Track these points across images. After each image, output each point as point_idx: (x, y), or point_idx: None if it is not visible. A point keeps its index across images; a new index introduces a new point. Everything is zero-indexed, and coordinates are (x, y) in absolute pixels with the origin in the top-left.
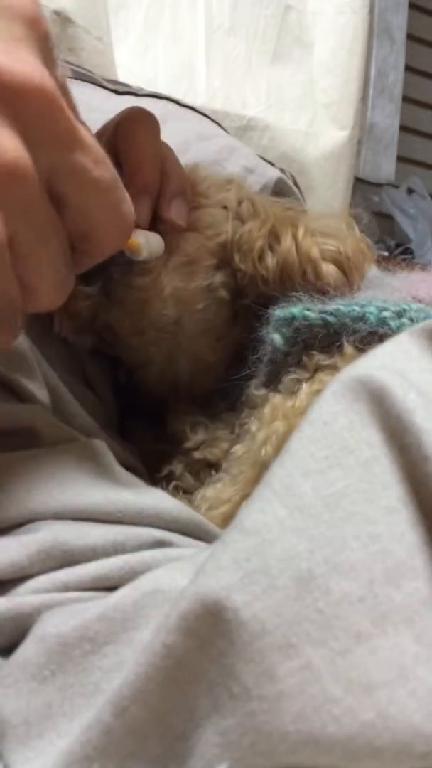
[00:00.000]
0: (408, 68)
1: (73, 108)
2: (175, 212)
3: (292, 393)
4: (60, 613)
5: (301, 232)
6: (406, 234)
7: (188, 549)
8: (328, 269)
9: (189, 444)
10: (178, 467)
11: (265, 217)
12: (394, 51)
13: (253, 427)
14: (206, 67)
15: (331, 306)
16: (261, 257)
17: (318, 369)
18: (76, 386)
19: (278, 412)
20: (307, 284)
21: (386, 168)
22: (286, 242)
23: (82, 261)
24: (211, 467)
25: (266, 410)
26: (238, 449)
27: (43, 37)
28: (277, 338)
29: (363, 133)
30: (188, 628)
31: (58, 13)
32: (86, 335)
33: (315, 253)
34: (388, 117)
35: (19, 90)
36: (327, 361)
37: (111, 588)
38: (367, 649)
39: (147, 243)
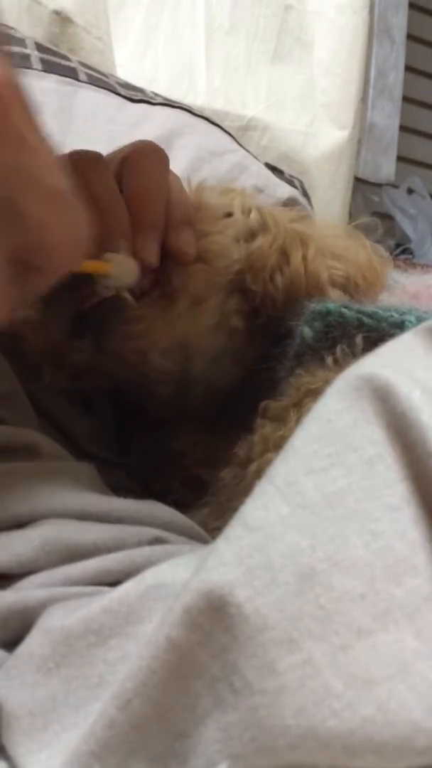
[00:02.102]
0: (408, 68)
1: (26, 108)
2: (183, 241)
3: (281, 421)
4: (65, 606)
5: (311, 252)
6: (406, 234)
7: (187, 545)
8: (334, 296)
9: (187, 461)
10: (174, 482)
11: (276, 232)
12: (394, 51)
13: (240, 452)
14: (206, 67)
15: (370, 308)
16: (272, 276)
17: (305, 394)
18: (71, 411)
19: (269, 443)
20: None
21: (386, 168)
22: (296, 262)
23: (36, 280)
24: (207, 485)
25: (256, 439)
26: (226, 475)
27: None
28: (307, 331)
29: (363, 133)
30: (192, 622)
31: (58, 13)
32: (83, 383)
33: (323, 277)
34: (388, 117)
35: None
36: (314, 386)
37: (113, 582)
38: (368, 645)
39: (118, 266)
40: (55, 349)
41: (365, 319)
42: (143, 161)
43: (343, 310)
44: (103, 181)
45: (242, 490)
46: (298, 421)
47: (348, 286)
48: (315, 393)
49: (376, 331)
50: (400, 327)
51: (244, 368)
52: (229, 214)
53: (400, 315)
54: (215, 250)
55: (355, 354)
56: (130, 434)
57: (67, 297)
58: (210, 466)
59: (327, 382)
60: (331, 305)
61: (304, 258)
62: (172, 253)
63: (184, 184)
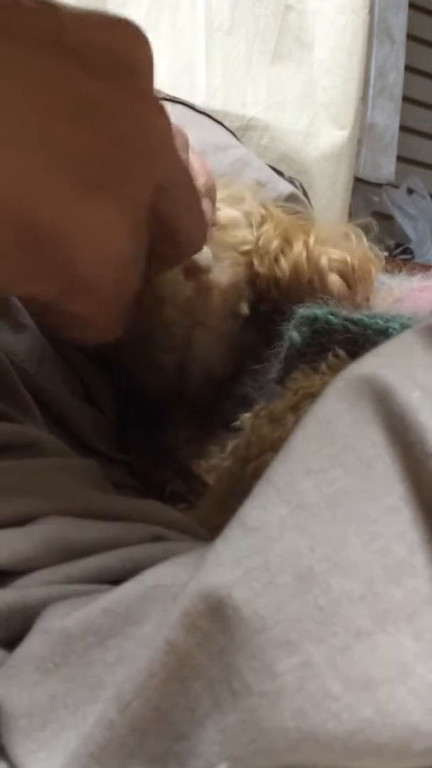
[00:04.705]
0: (408, 68)
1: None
2: (204, 206)
3: (279, 422)
4: (64, 605)
5: (312, 240)
6: (406, 234)
7: (187, 543)
8: (333, 279)
9: (180, 453)
10: (169, 474)
11: (279, 221)
12: (394, 51)
13: (237, 450)
14: (206, 67)
15: (356, 315)
16: (276, 259)
17: (303, 397)
18: (77, 406)
19: (266, 443)
20: (313, 292)
21: (386, 168)
22: (298, 247)
23: (159, 265)
24: (199, 476)
25: (253, 439)
26: (223, 473)
27: None
28: (295, 336)
29: (363, 133)
30: (190, 624)
31: None
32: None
33: (323, 262)
34: (388, 117)
35: None
36: (311, 390)
37: (114, 580)
38: (367, 646)
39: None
40: None
41: (350, 326)
42: None
43: (330, 317)
44: None
45: (240, 489)
46: (295, 423)
47: (347, 272)
48: (313, 397)
49: (362, 338)
50: (384, 334)
51: (236, 357)
52: (239, 202)
53: (385, 322)
54: (227, 219)
55: (343, 361)
56: (130, 431)
57: None
58: (201, 458)
59: (324, 387)
60: (318, 311)
61: (306, 244)
62: None
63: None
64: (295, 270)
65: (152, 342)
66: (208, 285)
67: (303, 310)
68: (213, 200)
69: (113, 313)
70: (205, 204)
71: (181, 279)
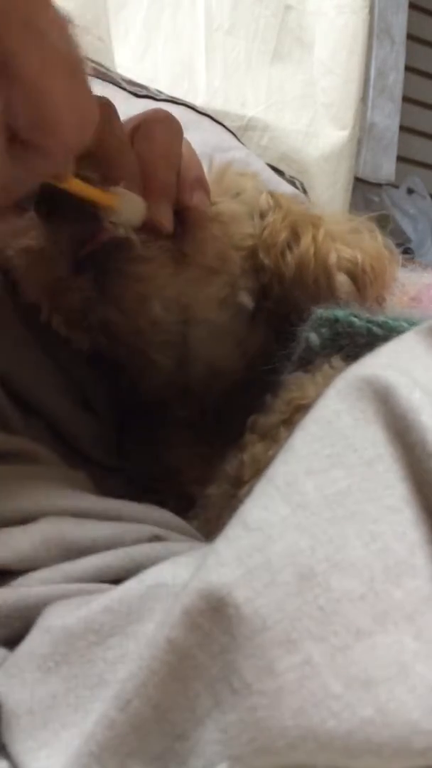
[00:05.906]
0: (408, 68)
1: None
2: (197, 200)
3: (272, 439)
4: (65, 604)
5: (321, 234)
6: (406, 234)
7: (186, 543)
8: (341, 280)
9: (182, 478)
10: (170, 497)
11: (287, 210)
12: (394, 51)
13: (230, 470)
14: (206, 67)
15: (379, 317)
16: (282, 253)
17: (295, 410)
18: (74, 412)
19: (260, 464)
20: (318, 291)
21: (386, 168)
22: (306, 242)
23: (38, 161)
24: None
25: (247, 459)
26: (215, 491)
27: None
28: (313, 337)
29: (363, 133)
30: (191, 623)
31: None
32: (81, 333)
33: (332, 259)
34: (388, 117)
35: None
36: (304, 401)
37: (113, 580)
38: (367, 646)
39: (126, 203)
40: (54, 285)
41: (374, 329)
42: (155, 128)
43: (352, 318)
44: (111, 128)
45: (233, 510)
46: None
47: (355, 272)
48: (305, 409)
49: (384, 341)
50: None
51: (245, 358)
52: (239, 194)
53: (410, 325)
54: (229, 213)
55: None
56: (129, 444)
57: (71, 229)
58: (204, 484)
59: (317, 398)
60: (339, 313)
61: (314, 239)
62: (186, 213)
63: (204, 164)
64: (301, 266)
65: (144, 341)
66: (196, 270)
67: (322, 311)
68: (207, 191)
69: None
70: (198, 196)
71: (168, 272)
